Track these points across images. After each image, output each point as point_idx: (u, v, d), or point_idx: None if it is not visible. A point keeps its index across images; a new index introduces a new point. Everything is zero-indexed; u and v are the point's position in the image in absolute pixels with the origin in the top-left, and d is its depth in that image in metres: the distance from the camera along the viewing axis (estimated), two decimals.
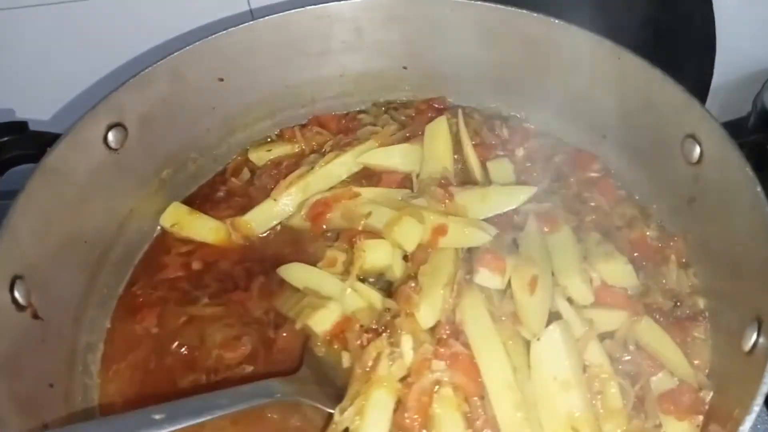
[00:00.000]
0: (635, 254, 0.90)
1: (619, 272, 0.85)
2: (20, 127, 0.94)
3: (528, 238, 0.87)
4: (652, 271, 0.88)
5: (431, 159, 0.98)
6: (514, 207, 0.90)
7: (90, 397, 0.85)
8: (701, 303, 0.85)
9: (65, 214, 0.86)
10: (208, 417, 0.74)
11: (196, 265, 0.95)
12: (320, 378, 0.83)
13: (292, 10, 0.98)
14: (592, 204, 0.95)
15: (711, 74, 1.25)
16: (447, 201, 0.91)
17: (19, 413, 0.70)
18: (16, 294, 0.76)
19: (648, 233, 0.92)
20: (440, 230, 0.87)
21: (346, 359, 0.83)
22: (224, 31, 0.96)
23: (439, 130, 1.00)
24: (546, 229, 0.88)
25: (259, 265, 0.94)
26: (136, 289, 0.94)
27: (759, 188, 0.73)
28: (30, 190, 0.80)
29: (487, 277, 0.81)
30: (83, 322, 0.88)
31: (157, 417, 0.70)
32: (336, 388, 0.81)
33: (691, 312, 0.85)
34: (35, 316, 0.78)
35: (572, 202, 0.94)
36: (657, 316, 0.83)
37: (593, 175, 0.99)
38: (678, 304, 0.86)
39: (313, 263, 0.90)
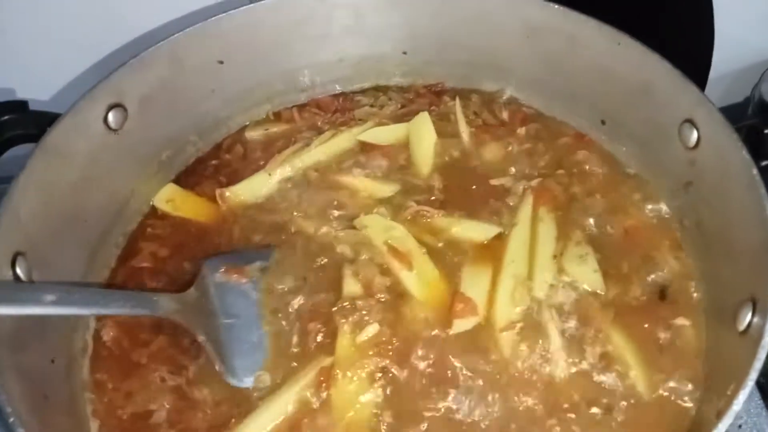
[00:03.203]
0: (630, 241, 0.90)
1: (587, 276, 0.85)
2: (20, 106, 0.94)
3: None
4: (643, 258, 0.88)
5: (415, 157, 0.99)
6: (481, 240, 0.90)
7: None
8: (693, 288, 0.86)
9: (66, 193, 0.86)
10: (95, 312, 0.82)
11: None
12: (204, 307, 0.85)
13: None
14: (588, 196, 0.94)
15: (709, 65, 1.26)
16: (425, 221, 0.91)
17: (21, 385, 0.70)
18: (18, 270, 0.76)
19: (644, 219, 0.92)
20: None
21: None
22: (224, 14, 0.96)
23: (422, 128, 1.00)
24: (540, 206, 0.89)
25: None
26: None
27: (755, 171, 0.74)
28: (31, 169, 0.80)
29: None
30: None
31: (48, 298, 0.72)
32: (215, 326, 0.83)
33: (683, 298, 0.85)
34: None
35: (567, 190, 0.94)
36: (632, 314, 0.83)
37: (592, 159, 0.99)
38: (666, 291, 0.86)
39: None
